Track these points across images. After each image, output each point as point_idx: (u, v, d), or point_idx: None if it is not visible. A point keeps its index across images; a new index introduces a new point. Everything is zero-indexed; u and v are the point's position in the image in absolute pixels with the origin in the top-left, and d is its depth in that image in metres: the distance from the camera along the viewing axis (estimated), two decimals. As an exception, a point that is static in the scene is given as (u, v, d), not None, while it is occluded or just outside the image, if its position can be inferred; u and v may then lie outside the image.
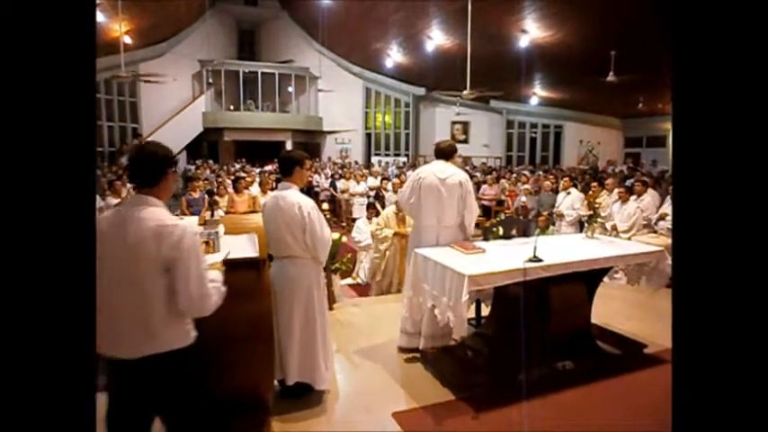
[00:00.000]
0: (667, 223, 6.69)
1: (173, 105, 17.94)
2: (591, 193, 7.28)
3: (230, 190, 8.38)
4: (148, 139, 16.97)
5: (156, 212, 1.91)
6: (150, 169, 1.96)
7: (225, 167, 15.39)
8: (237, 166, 15.64)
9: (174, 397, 1.95)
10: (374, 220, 7.14)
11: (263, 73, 19.41)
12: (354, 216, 10.21)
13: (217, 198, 7.92)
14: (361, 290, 6.40)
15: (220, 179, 11.42)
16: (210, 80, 18.59)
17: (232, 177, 10.45)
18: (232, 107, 19.52)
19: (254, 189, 8.81)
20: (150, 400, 1.93)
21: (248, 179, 9.18)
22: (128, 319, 1.87)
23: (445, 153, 4.05)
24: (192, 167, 15.28)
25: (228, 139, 19.17)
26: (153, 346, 1.88)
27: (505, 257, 3.51)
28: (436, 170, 3.97)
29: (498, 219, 4.61)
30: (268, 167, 14.65)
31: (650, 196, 7.33)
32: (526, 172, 13.36)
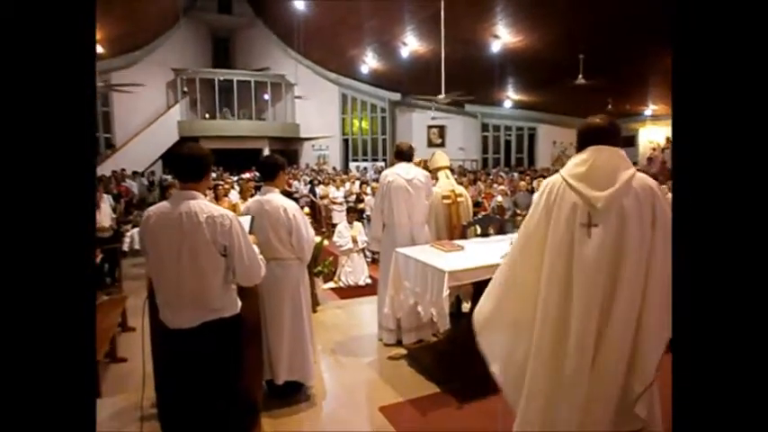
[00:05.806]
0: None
1: (147, 115, 17.70)
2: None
3: (208, 198, 8.37)
4: (123, 148, 16.78)
5: (203, 204, 2.23)
6: (197, 167, 2.29)
7: (202, 176, 15.22)
8: (215, 174, 15.53)
9: (222, 359, 2.29)
10: (355, 224, 7.23)
11: (238, 81, 19.34)
12: (334, 221, 10.25)
13: (196, 206, 7.89)
14: (344, 293, 6.47)
15: (198, 187, 11.36)
16: (185, 89, 18.40)
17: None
18: (208, 115, 19.36)
19: (234, 196, 8.81)
20: (204, 361, 2.26)
21: (226, 186, 9.20)
22: (189, 294, 2.20)
23: (407, 155, 4.31)
24: (169, 177, 15.09)
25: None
26: (210, 314, 2.24)
27: (483, 254, 3.66)
28: (401, 172, 4.20)
29: (476, 218, 4.76)
30: (246, 175, 14.59)
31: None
32: (502, 173, 13.64)
